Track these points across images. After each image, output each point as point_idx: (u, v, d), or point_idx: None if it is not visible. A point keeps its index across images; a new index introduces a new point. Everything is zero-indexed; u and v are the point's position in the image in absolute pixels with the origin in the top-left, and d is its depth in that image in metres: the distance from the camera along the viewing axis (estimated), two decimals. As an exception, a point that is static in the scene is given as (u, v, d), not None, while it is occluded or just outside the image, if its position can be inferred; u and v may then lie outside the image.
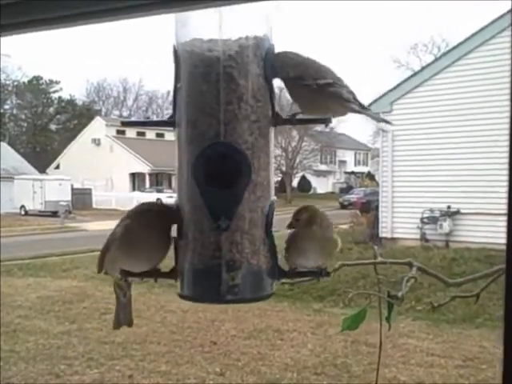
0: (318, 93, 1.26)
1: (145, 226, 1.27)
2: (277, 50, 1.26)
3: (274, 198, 1.28)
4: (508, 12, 12.88)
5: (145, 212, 1.30)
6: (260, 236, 1.22)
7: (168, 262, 1.30)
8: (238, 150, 1.19)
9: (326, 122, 1.30)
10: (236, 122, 1.19)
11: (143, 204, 1.34)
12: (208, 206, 1.19)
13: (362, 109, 1.30)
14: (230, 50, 1.19)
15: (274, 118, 1.26)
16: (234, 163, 1.19)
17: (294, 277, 1.31)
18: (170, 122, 1.27)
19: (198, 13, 1.18)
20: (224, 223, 1.18)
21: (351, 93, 1.28)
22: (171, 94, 1.28)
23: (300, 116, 1.33)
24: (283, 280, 1.31)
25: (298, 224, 1.27)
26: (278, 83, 1.30)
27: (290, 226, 1.28)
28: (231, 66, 1.18)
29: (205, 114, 1.19)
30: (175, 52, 1.24)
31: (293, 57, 1.29)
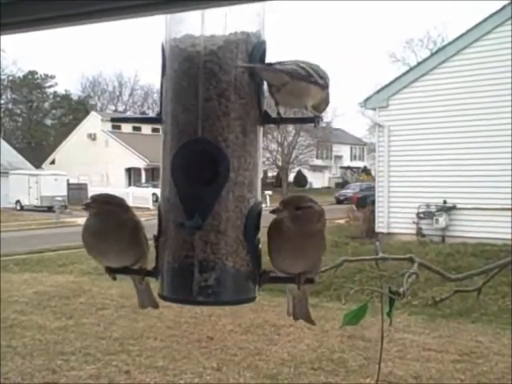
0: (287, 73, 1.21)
1: (103, 221, 1.26)
2: (269, 46, 1.22)
3: (258, 199, 1.21)
4: (504, 7, 12.90)
5: (103, 205, 1.27)
6: (238, 237, 1.17)
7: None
8: (216, 147, 1.15)
9: (315, 120, 1.24)
10: (215, 118, 1.15)
11: (100, 196, 1.30)
12: (183, 204, 1.16)
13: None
14: (213, 45, 1.15)
15: (261, 117, 1.22)
16: (211, 161, 1.16)
17: (270, 282, 1.24)
18: (157, 119, 1.25)
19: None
20: (195, 222, 1.13)
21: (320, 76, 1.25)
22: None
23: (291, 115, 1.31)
24: (264, 285, 1.23)
25: (287, 218, 1.18)
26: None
27: (274, 212, 1.19)
28: (212, 60, 1.15)
29: (185, 110, 1.17)
30: (162, 48, 1.22)
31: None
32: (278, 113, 1.24)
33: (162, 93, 1.23)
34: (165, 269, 1.21)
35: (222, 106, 1.16)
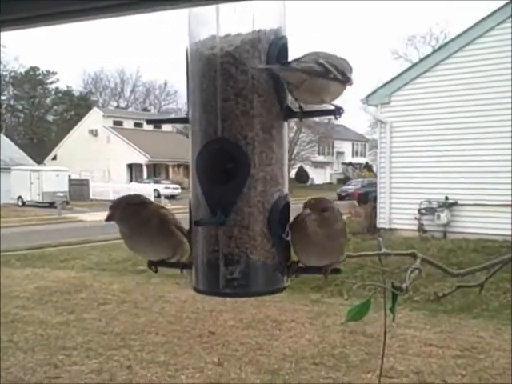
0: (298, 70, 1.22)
1: (128, 222, 1.32)
2: (292, 41, 1.25)
3: (283, 192, 1.25)
4: (506, 4, 12.86)
5: (128, 206, 1.33)
6: (262, 231, 1.21)
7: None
8: (235, 146, 1.19)
9: (336, 113, 1.25)
10: (234, 117, 1.19)
11: (117, 202, 1.36)
12: (207, 201, 1.21)
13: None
14: (229, 46, 1.18)
15: (283, 112, 1.24)
16: (232, 159, 1.19)
17: (299, 273, 1.30)
18: (186, 119, 1.29)
19: (210, 10, 1.18)
20: (218, 219, 1.18)
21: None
22: (168, 84, 1.30)
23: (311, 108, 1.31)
24: (293, 275, 1.29)
25: (313, 219, 1.23)
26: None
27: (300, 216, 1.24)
28: (229, 62, 1.19)
29: (205, 112, 1.21)
30: (186, 51, 1.26)
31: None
32: (300, 107, 1.26)
33: (188, 95, 1.27)
34: (195, 263, 1.27)
35: (239, 105, 1.19)
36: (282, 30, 1.24)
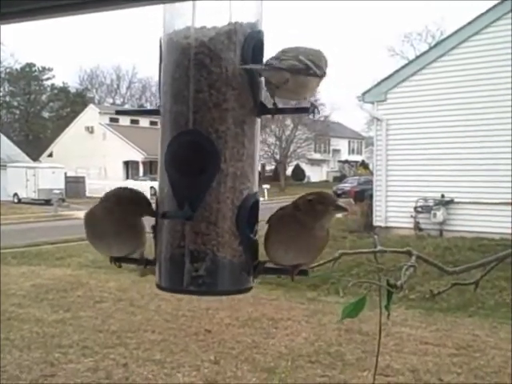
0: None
1: (107, 211, 1.29)
2: (266, 36, 1.22)
3: (253, 190, 1.22)
4: (502, 1, 12.88)
5: (110, 197, 1.31)
6: (230, 228, 1.18)
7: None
8: (206, 139, 1.16)
9: (310, 111, 1.23)
10: (206, 109, 1.16)
11: (114, 189, 1.34)
12: (175, 195, 1.18)
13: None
14: (204, 36, 1.16)
15: (257, 108, 1.21)
16: (202, 152, 1.16)
17: (264, 273, 1.25)
18: (157, 111, 1.27)
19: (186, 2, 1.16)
20: (185, 213, 1.15)
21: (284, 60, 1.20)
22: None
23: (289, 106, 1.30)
24: (259, 275, 1.24)
25: (293, 209, 1.20)
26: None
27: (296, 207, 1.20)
28: (203, 52, 1.16)
29: (177, 102, 1.18)
30: (160, 42, 1.23)
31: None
32: (274, 103, 1.23)
33: (159, 85, 1.24)
34: (159, 259, 1.23)
35: (212, 97, 1.16)
36: (258, 24, 1.21)
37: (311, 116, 1.26)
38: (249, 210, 1.20)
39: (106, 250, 1.34)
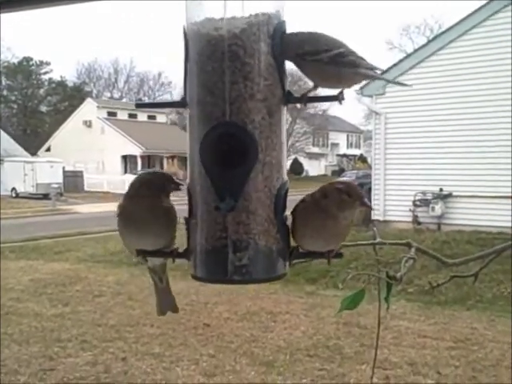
0: (330, 65, 1.23)
1: (138, 198, 1.29)
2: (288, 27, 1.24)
3: (285, 178, 1.26)
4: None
5: (139, 187, 1.31)
6: (268, 216, 1.21)
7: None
8: (243, 130, 1.18)
9: (339, 98, 1.26)
10: (242, 101, 1.18)
11: (138, 177, 1.35)
12: (214, 186, 1.19)
13: (375, 72, 1.28)
14: (235, 28, 1.17)
15: (285, 97, 1.24)
16: (240, 143, 1.18)
17: (300, 258, 1.30)
18: (182, 103, 1.26)
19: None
20: (227, 204, 1.16)
21: (361, 58, 1.26)
22: (162, 75, 1.27)
23: (313, 94, 1.31)
24: (295, 261, 1.29)
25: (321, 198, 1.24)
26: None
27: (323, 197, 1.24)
28: (236, 44, 1.17)
29: (211, 94, 1.19)
30: (184, 32, 1.23)
31: (297, 33, 1.27)
32: (304, 93, 1.27)
33: (185, 77, 1.24)
34: (198, 250, 1.24)
35: (247, 88, 1.18)
36: (281, 14, 1.23)
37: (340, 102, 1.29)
38: (283, 198, 1.23)
39: (143, 240, 1.31)
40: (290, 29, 1.25)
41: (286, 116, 1.27)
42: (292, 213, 1.26)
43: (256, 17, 1.18)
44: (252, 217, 1.19)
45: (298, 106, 1.33)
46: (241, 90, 1.17)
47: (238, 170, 1.18)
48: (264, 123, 1.19)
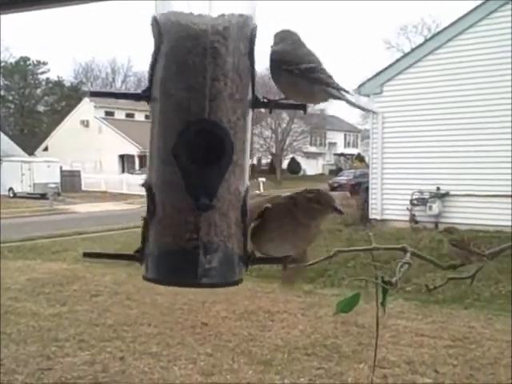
0: (300, 78, 1.22)
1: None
2: (259, 30, 1.21)
3: (248, 182, 1.22)
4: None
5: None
6: (236, 219, 1.17)
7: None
8: (222, 128, 1.14)
9: (304, 107, 1.25)
10: (221, 99, 1.14)
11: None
12: (188, 185, 1.14)
13: (342, 94, 1.27)
14: (218, 25, 1.14)
15: (253, 100, 1.21)
16: (218, 142, 1.14)
17: (258, 263, 1.25)
18: (144, 96, 1.21)
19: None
20: (204, 204, 1.12)
21: (330, 77, 1.25)
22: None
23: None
24: (250, 266, 1.23)
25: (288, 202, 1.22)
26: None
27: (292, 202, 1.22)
28: (219, 41, 1.14)
29: (189, 89, 1.14)
30: (156, 21, 1.17)
31: (276, 40, 1.26)
32: (267, 98, 1.24)
33: (153, 69, 1.19)
34: (158, 251, 1.18)
35: (227, 86, 1.15)
36: (254, 17, 1.20)
37: (305, 112, 1.28)
38: (247, 202, 1.20)
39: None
40: (287, 27, 1.25)
41: (251, 119, 1.23)
42: (261, 213, 1.23)
43: (234, 17, 1.16)
44: (224, 219, 1.16)
45: (263, 110, 1.31)
46: (221, 88, 1.14)
47: (214, 169, 1.14)
48: (239, 124, 1.17)
